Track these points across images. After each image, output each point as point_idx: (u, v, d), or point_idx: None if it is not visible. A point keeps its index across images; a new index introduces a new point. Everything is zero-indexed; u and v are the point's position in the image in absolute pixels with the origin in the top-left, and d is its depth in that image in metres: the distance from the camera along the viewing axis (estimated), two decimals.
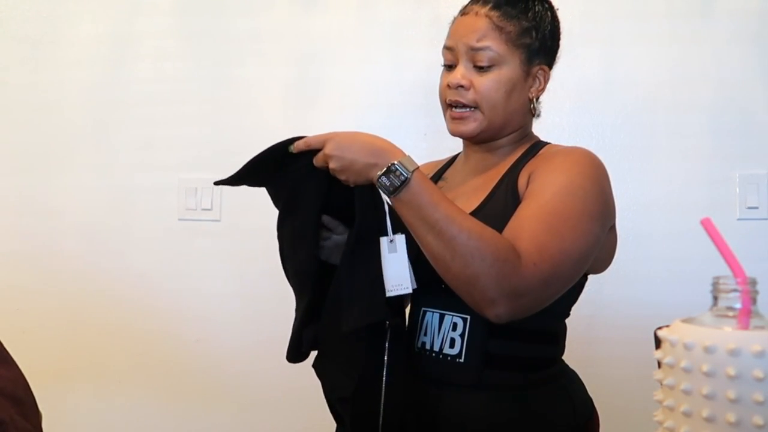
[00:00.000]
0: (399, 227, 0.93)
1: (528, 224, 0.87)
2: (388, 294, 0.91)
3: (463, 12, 1.03)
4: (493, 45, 0.98)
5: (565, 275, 0.88)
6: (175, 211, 1.84)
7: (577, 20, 1.67)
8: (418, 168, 0.88)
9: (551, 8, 1.06)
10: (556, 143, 1.05)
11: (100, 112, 1.90)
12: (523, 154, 1.02)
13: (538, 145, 1.04)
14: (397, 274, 0.92)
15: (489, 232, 0.85)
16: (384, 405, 0.90)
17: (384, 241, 0.92)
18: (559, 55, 1.08)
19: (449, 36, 1.03)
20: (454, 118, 1.02)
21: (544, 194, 0.91)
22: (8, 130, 1.95)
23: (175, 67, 1.87)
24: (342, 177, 0.92)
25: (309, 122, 1.78)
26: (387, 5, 1.77)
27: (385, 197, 0.91)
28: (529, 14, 1.01)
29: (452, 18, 1.06)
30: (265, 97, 1.82)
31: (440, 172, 1.15)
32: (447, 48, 1.03)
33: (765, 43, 1.59)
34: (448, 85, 1.01)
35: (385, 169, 0.87)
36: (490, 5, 1.00)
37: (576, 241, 0.88)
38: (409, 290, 0.92)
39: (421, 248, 0.89)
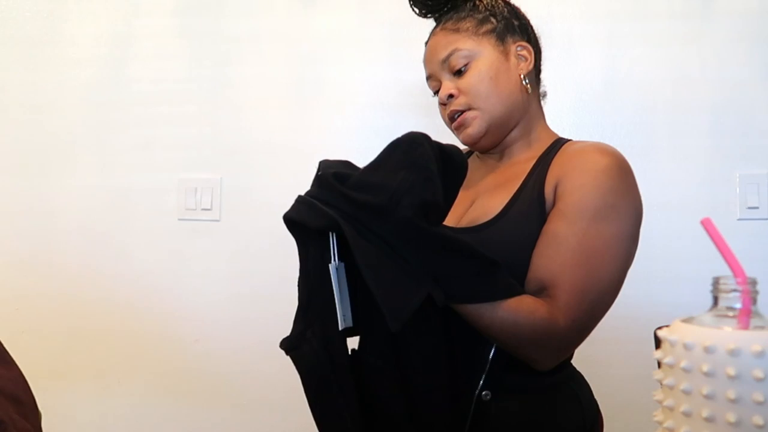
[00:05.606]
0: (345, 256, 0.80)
1: (569, 270, 0.86)
2: (340, 327, 0.81)
3: (426, 42, 1.07)
4: (458, 45, 1.01)
5: (601, 313, 0.91)
6: (175, 211, 1.84)
7: (577, 20, 1.67)
8: None
9: None
10: (577, 140, 1.03)
11: (100, 112, 1.90)
12: (545, 152, 1.00)
13: (560, 142, 1.03)
14: (339, 306, 0.81)
15: (523, 314, 0.82)
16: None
17: (331, 267, 0.81)
18: (541, 42, 1.08)
19: (424, 66, 1.07)
20: (458, 128, 1.03)
21: (579, 223, 0.88)
22: (8, 130, 1.94)
23: (174, 67, 1.87)
24: None
25: (309, 122, 1.79)
26: (387, 5, 1.77)
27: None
28: (480, 7, 1.04)
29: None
30: (265, 97, 1.82)
31: None
32: (427, 78, 1.06)
33: (765, 43, 1.59)
34: (443, 104, 1.04)
35: None
36: (441, 22, 1.05)
37: (613, 273, 0.89)
38: (341, 326, 0.80)
39: None
